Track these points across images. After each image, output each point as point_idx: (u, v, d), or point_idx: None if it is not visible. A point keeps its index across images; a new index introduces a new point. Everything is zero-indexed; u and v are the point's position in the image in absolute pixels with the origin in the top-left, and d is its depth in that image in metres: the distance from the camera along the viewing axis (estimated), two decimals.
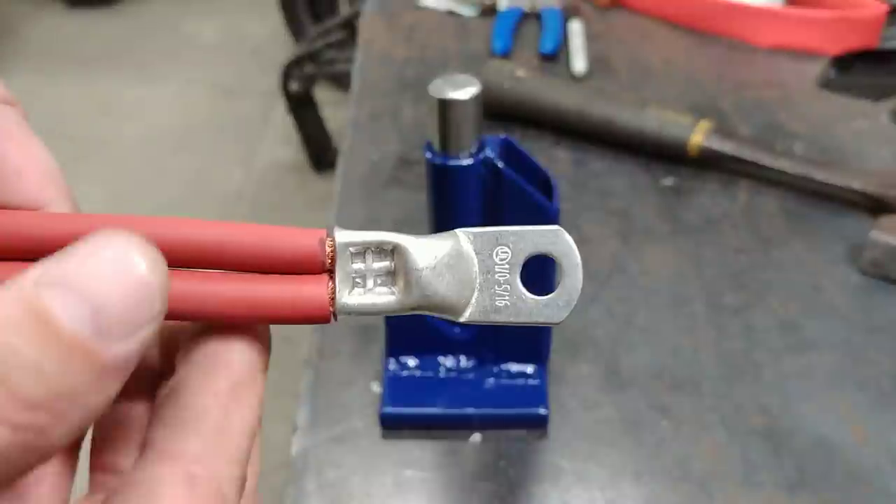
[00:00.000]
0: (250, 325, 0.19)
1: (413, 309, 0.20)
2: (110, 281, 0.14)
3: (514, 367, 0.40)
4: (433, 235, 0.20)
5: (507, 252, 0.20)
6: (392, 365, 0.40)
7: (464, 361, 0.40)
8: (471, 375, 0.40)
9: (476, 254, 0.20)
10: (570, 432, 0.39)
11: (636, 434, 0.39)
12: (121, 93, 2.15)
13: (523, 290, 0.20)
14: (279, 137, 1.96)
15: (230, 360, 0.18)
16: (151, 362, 0.21)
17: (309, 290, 0.19)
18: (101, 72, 2.24)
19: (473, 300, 0.20)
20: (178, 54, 2.34)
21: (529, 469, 0.38)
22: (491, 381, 0.40)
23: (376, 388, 0.41)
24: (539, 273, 0.21)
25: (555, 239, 0.20)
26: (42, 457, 0.14)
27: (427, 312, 0.20)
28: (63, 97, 2.05)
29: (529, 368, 0.40)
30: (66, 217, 0.19)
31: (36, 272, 0.14)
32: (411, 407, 0.39)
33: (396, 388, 0.40)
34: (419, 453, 0.38)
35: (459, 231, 0.20)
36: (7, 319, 0.14)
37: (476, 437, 0.39)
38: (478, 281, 0.20)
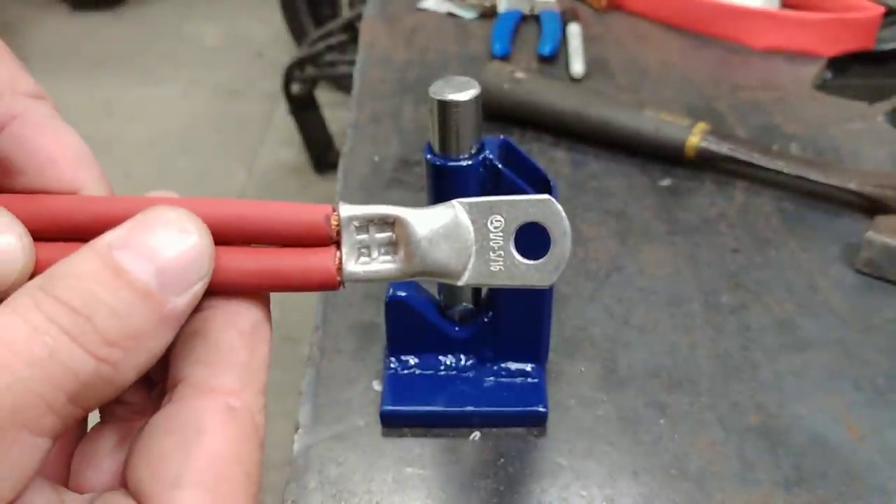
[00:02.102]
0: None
1: (414, 275, 0.21)
2: (170, 245, 0.17)
3: (514, 366, 0.41)
4: (432, 206, 0.21)
5: (500, 220, 0.21)
6: (393, 363, 0.41)
7: (463, 360, 0.41)
8: (470, 374, 0.41)
9: (472, 222, 0.21)
10: (569, 430, 0.39)
11: (634, 432, 0.39)
12: (124, 95, 2.16)
13: (516, 255, 0.21)
14: (281, 139, 1.97)
15: (247, 304, 0.20)
16: None
17: (318, 260, 0.20)
18: (104, 74, 2.25)
19: (470, 265, 0.21)
20: (180, 56, 2.35)
21: (528, 466, 0.38)
22: (490, 379, 0.40)
23: (377, 386, 0.41)
24: (537, 243, 0.22)
25: (545, 207, 0.21)
26: (116, 389, 0.17)
27: (428, 278, 0.21)
28: (67, 99, 2.06)
29: (528, 367, 0.40)
30: (102, 200, 0.21)
31: (108, 238, 0.17)
32: (412, 405, 0.40)
33: (397, 386, 0.40)
34: (419, 451, 0.39)
35: (456, 201, 0.21)
36: (88, 273, 0.17)
37: (476, 434, 0.39)
38: (474, 248, 0.21)
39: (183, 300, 0.18)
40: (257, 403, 0.19)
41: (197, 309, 0.19)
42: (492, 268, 0.21)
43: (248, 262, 0.20)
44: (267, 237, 0.20)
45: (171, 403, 0.19)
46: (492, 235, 0.21)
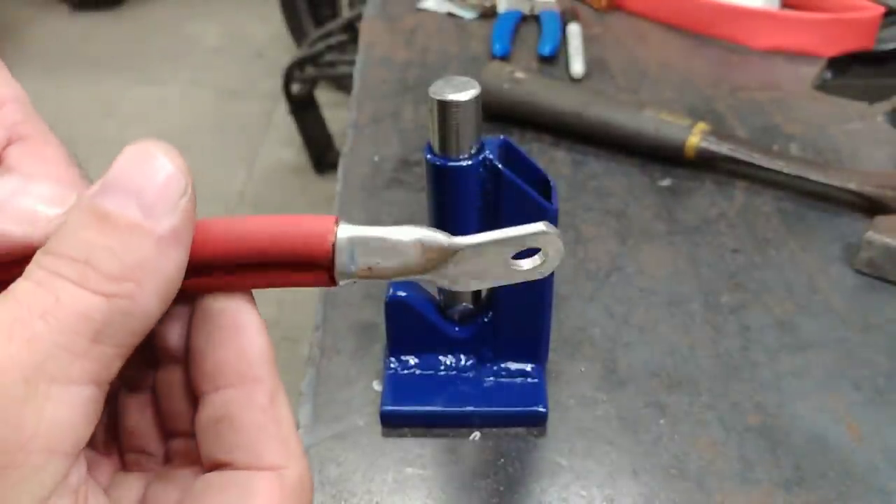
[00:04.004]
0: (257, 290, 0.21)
1: (409, 271, 0.21)
2: (139, 174, 0.18)
3: (514, 366, 0.41)
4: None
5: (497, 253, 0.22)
6: (393, 363, 0.41)
7: (463, 360, 0.41)
8: (470, 374, 0.41)
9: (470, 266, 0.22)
10: (569, 430, 0.39)
11: (634, 432, 0.39)
12: (124, 95, 2.16)
13: (510, 260, 0.22)
14: (281, 139, 1.97)
15: (256, 374, 0.20)
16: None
17: (313, 223, 0.21)
18: (105, 74, 2.25)
19: (463, 272, 0.22)
20: (181, 57, 2.35)
21: (528, 466, 0.38)
22: (490, 379, 0.40)
23: (377, 386, 0.41)
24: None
25: (542, 239, 0.22)
26: (143, 319, 0.18)
27: (425, 278, 0.22)
28: (67, 99, 2.06)
29: (528, 367, 0.40)
30: None
31: (91, 189, 0.19)
32: (412, 405, 0.40)
33: (397, 386, 0.40)
34: (419, 451, 0.39)
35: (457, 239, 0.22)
36: (77, 225, 0.18)
37: (476, 434, 0.39)
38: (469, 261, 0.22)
39: (173, 218, 0.18)
40: (302, 466, 0.20)
41: (213, 386, 0.20)
42: (486, 271, 0.22)
43: (243, 224, 0.21)
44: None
45: (224, 488, 0.20)
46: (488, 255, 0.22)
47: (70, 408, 0.17)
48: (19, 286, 0.17)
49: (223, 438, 0.20)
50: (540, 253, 0.22)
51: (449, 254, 0.21)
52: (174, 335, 0.21)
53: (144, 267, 0.18)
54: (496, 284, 0.22)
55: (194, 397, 0.21)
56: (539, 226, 0.22)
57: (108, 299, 0.17)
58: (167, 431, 0.23)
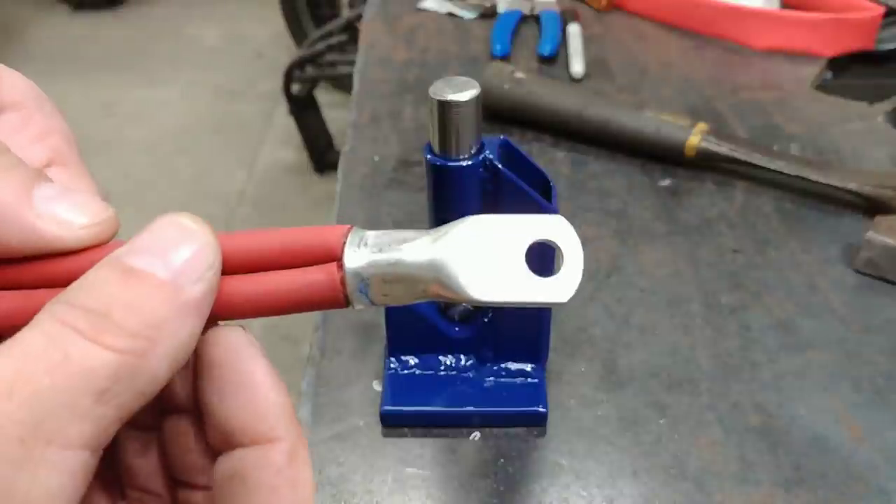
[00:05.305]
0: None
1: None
2: (169, 242, 0.19)
3: (514, 366, 0.41)
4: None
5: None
6: (393, 363, 0.41)
7: (463, 360, 0.41)
8: (470, 374, 0.41)
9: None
10: (569, 430, 0.39)
11: (634, 432, 0.39)
12: (124, 95, 2.16)
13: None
14: (281, 139, 1.97)
15: (274, 434, 0.19)
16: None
17: (326, 233, 0.21)
18: (104, 74, 2.25)
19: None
20: (181, 57, 2.35)
21: (528, 467, 0.38)
22: (490, 379, 0.41)
23: (377, 386, 0.41)
24: (542, 256, 0.22)
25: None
26: (150, 382, 0.18)
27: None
28: (67, 100, 2.06)
29: (528, 367, 0.40)
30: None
31: (117, 251, 0.19)
32: (412, 405, 0.40)
33: (397, 386, 0.40)
34: (419, 451, 0.39)
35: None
36: (105, 278, 0.18)
37: (476, 435, 0.39)
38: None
39: (198, 288, 0.18)
40: None
41: (227, 445, 0.19)
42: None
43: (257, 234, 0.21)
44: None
45: None
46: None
47: (63, 474, 0.16)
48: (27, 336, 0.17)
49: (235, 498, 0.19)
50: (556, 259, 0.21)
51: (456, 229, 0.21)
52: (177, 385, 0.21)
53: (162, 328, 0.17)
54: (515, 299, 0.21)
55: (208, 450, 0.20)
56: (556, 217, 0.21)
57: (120, 355, 0.17)
58: (176, 479, 0.22)
